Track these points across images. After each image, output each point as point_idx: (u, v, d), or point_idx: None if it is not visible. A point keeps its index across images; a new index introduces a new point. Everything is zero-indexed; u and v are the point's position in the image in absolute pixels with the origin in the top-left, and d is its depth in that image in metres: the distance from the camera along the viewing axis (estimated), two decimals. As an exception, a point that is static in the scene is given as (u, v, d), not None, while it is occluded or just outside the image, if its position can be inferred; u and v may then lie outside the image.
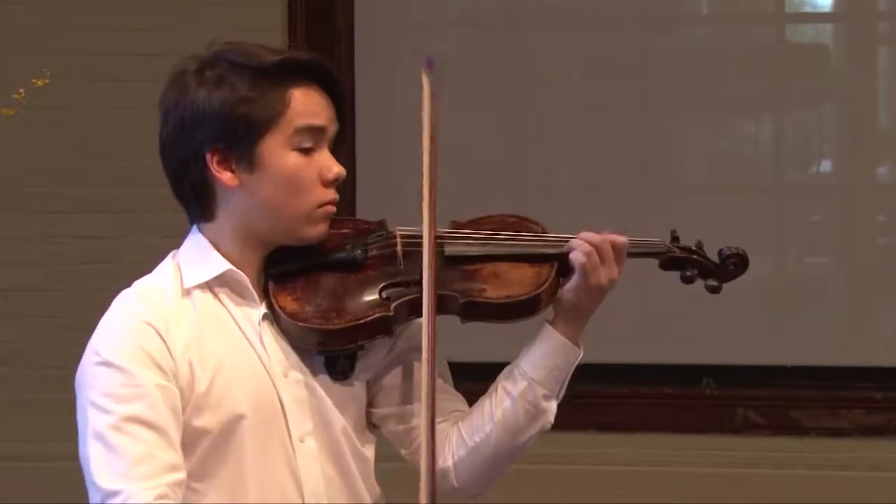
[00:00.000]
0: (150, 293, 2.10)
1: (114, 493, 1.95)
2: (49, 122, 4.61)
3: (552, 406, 2.18)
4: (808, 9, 4.94)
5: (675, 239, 2.27)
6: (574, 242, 2.16)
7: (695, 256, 2.26)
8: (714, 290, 2.28)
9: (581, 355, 2.19)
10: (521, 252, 2.17)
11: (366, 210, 4.53)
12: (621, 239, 2.18)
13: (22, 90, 3.10)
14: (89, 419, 2.03)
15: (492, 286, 2.14)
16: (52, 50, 4.55)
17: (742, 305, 4.60)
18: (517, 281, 2.14)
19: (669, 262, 2.26)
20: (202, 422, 2.04)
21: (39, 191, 4.72)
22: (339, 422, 2.13)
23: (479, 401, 2.21)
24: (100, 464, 1.99)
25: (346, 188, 4.57)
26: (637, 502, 4.54)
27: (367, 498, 2.17)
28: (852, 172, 4.69)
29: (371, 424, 2.23)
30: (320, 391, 2.11)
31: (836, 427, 4.56)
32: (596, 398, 4.45)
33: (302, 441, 2.09)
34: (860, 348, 4.63)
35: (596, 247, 2.15)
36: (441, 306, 2.09)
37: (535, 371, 2.16)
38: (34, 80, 3.16)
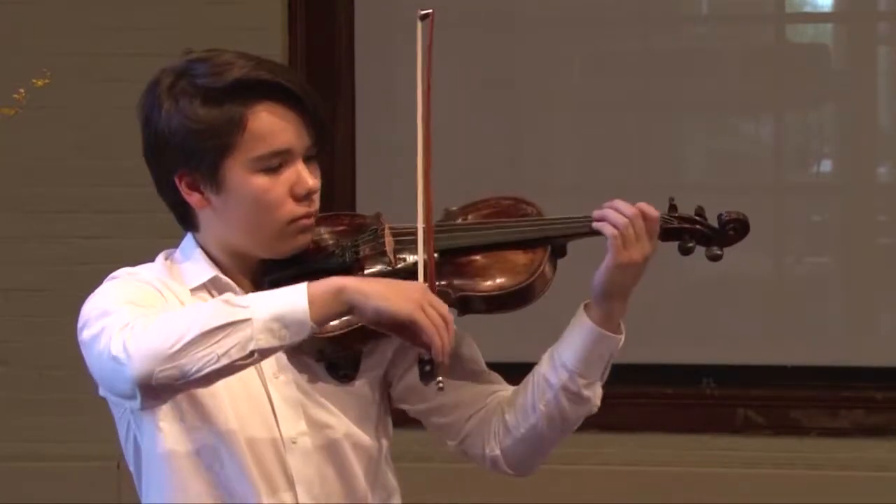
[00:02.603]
0: (143, 274, 2.11)
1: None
2: (49, 122, 4.60)
3: (596, 391, 2.15)
4: (808, 9, 4.94)
5: (672, 207, 2.20)
6: (606, 213, 2.10)
7: (696, 226, 2.19)
8: (715, 258, 2.19)
9: (622, 340, 2.13)
10: (513, 239, 2.14)
11: (365, 209, 4.52)
12: (653, 211, 2.11)
13: (22, 90, 3.09)
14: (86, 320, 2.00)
15: (484, 278, 2.11)
16: (52, 50, 4.55)
17: (742, 305, 4.61)
18: (510, 270, 2.11)
19: (667, 232, 2.17)
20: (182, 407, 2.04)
21: (39, 191, 4.72)
22: (340, 423, 2.12)
23: (522, 385, 2.17)
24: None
25: (347, 188, 4.61)
26: (637, 502, 4.54)
27: (369, 497, 2.15)
28: (852, 172, 4.69)
29: (396, 412, 2.22)
30: (315, 393, 2.11)
31: (836, 427, 4.55)
32: (596, 398, 4.45)
33: (294, 442, 2.09)
34: (860, 348, 4.63)
35: (630, 219, 2.09)
36: None
37: (574, 362, 2.12)
38: (34, 80, 3.15)
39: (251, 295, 1.92)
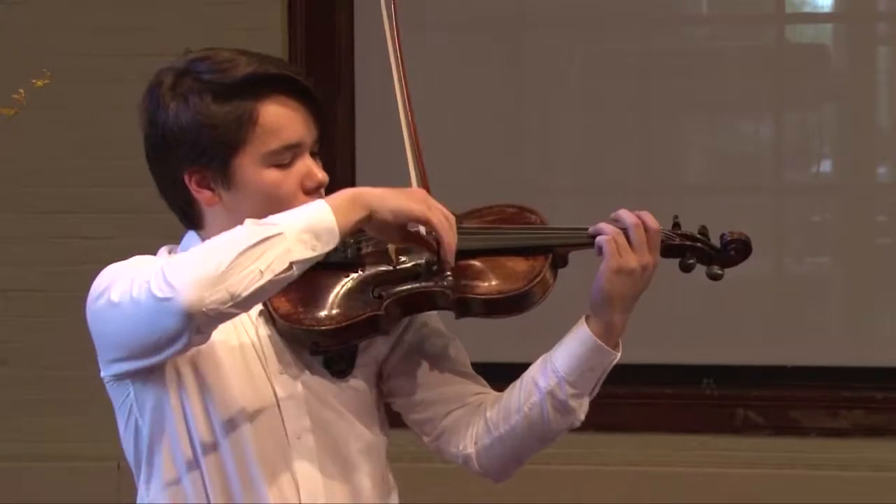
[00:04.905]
0: (149, 258, 2.11)
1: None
2: (49, 122, 4.61)
3: (583, 404, 2.15)
4: (808, 9, 4.94)
5: (676, 225, 2.20)
6: (603, 223, 2.13)
7: (698, 244, 2.18)
8: (715, 278, 2.18)
9: (618, 358, 2.14)
10: (515, 245, 2.14)
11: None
12: (654, 223, 2.12)
13: (22, 90, 3.09)
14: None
15: (484, 281, 2.11)
16: (52, 50, 4.55)
17: (742, 305, 4.60)
18: (509, 276, 2.11)
19: (668, 249, 2.18)
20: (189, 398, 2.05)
21: (39, 191, 4.72)
22: (342, 420, 2.12)
23: (510, 387, 2.18)
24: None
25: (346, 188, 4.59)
26: (637, 502, 4.54)
27: (369, 496, 2.15)
28: (852, 172, 4.69)
29: (393, 413, 2.23)
30: (319, 389, 2.11)
31: (836, 427, 4.55)
32: (596, 398, 4.45)
33: (299, 438, 2.09)
34: (860, 348, 4.63)
35: (626, 228, 2.11)
36: (434, 303, 2.10)
37: (567, 370, 2.12)
38: (34, 80, 3.15)
39: (275, 216, 1.95)
